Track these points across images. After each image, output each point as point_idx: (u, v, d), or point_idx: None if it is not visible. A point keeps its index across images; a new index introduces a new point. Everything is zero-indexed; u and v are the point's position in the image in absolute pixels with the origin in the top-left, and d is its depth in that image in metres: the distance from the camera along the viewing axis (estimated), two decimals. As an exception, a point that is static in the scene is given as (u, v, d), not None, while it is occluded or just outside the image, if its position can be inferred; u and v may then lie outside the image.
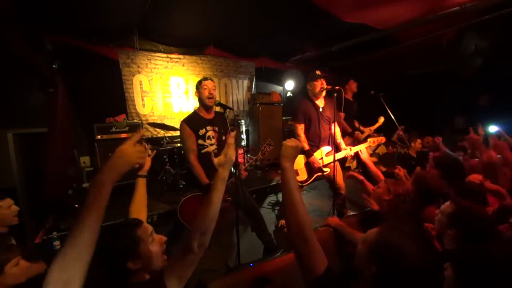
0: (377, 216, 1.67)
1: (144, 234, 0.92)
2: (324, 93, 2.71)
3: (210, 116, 2.25)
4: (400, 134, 3.79)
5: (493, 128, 3.40)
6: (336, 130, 2.84)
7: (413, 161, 3.64)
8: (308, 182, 2.76)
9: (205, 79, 2.20)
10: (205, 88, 2.15)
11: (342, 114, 3.61)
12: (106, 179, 0.70)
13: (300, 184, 2.75)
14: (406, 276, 0.76)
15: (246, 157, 5.08)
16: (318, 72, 2.69)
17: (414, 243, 0.79)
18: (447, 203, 1.28)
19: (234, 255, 2.11)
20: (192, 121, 2.21)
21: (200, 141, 2.19)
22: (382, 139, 2.88)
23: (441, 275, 0.90)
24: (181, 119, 2.25)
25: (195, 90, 2.25)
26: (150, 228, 0.96)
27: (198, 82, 2.22)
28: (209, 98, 2.16)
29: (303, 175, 2.73)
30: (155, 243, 0.94)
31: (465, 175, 1.82)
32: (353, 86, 3.96)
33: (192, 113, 2.31)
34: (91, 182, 0.69)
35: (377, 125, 3.87)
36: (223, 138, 2.27)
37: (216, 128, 2.26)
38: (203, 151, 2.21)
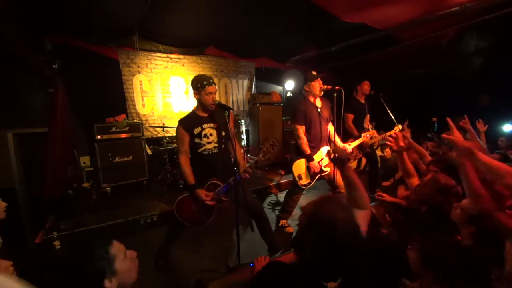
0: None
1: (117, 251, 0.93)
2: (322, 93, 2.72)
3: (207, 113, 2.19)
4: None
5: (507, 127, 3.40)
6: (331, 129, 2.85)
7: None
8: (311, 184, 2.77)
9: (208, 83, 2.05)
10: (209, 95, 2.07)
11: (351, 116, 3.59)
12: None
13: (304, 187, 2.77)
14: (339, 241, 0.91)
15: (246, 157, 5.08)
16: (314, 73, 2.68)
17: (345, 213, 0.95)
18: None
19: (234, 255, 2.10)
20: (188, 121, 2.17)
21: (197, 140, 2.14)
22: (374, 132, 3.03)
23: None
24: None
25: (193, 90, 2.15)
26: (122, 245, 0.97)
27: (199, 84, 2.07)
28: (212, 104, 2.10)
29: (306, 179, 2.74)
30: (127, 259, 0.95)
31: None
32: (365, 87, 3.71)
33: (190, 112, 2.26)
34: None
35: (391, 132, 3.56)
36: (223, 134, 2.19)
37: (215, 124, 2.19)
38: (200, 149, 2.16)
